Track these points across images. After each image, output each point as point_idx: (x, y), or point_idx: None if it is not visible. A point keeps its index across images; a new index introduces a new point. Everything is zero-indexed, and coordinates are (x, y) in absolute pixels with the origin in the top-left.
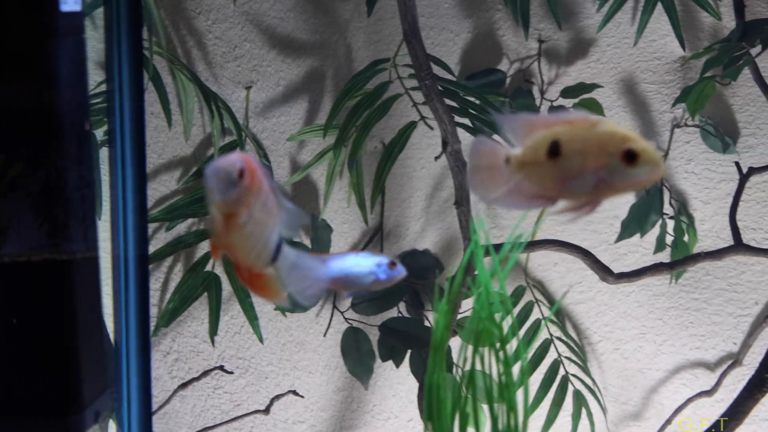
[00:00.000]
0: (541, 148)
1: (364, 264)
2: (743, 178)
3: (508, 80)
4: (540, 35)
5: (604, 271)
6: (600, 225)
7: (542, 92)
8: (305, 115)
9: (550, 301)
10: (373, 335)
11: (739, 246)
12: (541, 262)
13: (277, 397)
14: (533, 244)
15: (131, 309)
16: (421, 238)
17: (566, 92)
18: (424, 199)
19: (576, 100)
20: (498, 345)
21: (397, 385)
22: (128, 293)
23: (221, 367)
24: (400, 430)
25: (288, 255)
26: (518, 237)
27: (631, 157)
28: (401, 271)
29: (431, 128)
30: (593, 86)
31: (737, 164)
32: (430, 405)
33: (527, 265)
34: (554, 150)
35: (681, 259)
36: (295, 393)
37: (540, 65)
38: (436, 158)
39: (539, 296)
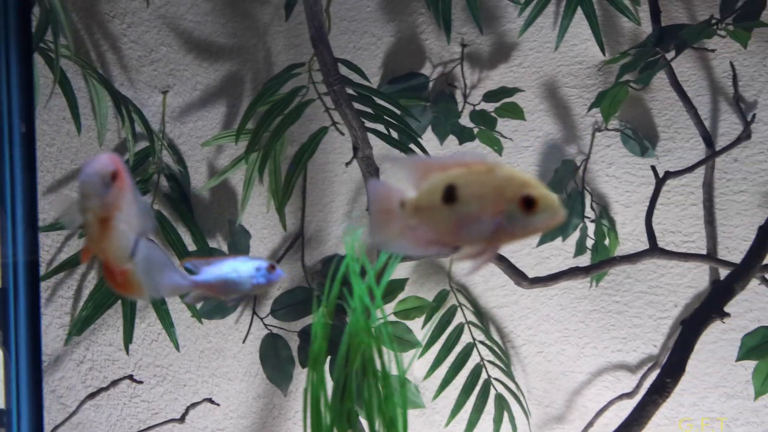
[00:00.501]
0: (437, 192)
1: (243, 269)
2: (660, 182)
3: (430, 84)
4: (463, 39)
5: (518, 276)
6: None
7: (465, 96)
8: (223, 119)
9: (474, 305)
10: (293, 341)
11: (654, 250)
12: (464, 266)
13: (193, 405)
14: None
15: (20, 318)
16: (343, 243)
17: (488, 96)
18: (345, 204)
19: (498, 104)
20: (377, 358)
21: None
22: (17, 301)
23: (130, 377)
24: None
25: (143, 249)
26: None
27: (529, 204)
28: (281, 274)
29: (342, 134)
30: (515, 90)
31: (653, 168)
32: (311, 419)
33: (450, 269)
34: (450, 195)
35: (597, 263)
36: (210, 401)
37: (463, 69)
38: (347, 164)
39: (462, 300)
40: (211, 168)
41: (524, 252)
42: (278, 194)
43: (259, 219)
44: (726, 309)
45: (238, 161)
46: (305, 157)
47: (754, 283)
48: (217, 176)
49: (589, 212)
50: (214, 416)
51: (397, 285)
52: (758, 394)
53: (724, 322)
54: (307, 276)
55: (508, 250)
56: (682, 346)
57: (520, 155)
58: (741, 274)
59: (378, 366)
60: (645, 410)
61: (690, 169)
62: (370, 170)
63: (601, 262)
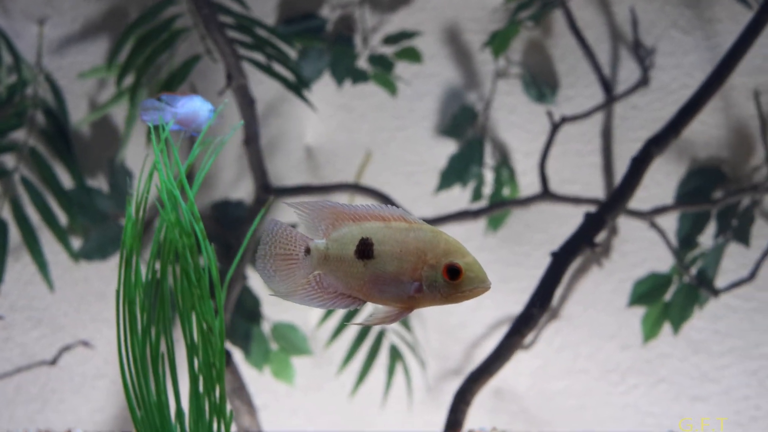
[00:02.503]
0: (349, 244)
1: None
2: (555, 127)
3: (328, 26)
4: None
5: None
6: (422, 176)
7: (364, 39)
8: (106, 54)
9: None
10: None
11: (546, 194)
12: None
13: (66, 348)
14: (332, 188)
15: None
16: (235, 188)
17: (388, 40)
18: (238, 147)
19: (398, 48)
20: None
21: None
22: None
23: None
24: None
25: None
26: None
27: (453, 273)
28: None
29: (215, 61)
30: (414, 34)
31: (549, 113)
32: (123, 319)
33: None
34: (365, 250)
35: (486, 206)
36: (85, 344)
37: (362, 12)
38: (220, 93)
39: None
40: (92, 104)
41: (424, 200)
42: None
43: (142, 159)
44: (620, 260)
45: (120, 96)
46: (174, 84)
47: (650, 234)
48: (96, 111)
49: (489, 161)
50: (94, 362)
51: None
52: (647, 338)
53: (594, 252)
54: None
55: (405, 198)
56: (550, 277)
57: (420, 101)
58: (612, 205)
59: (191, 265)
60: (511, 341)
61: (586, 114)
62: (246, 101)
63: (491, 205)
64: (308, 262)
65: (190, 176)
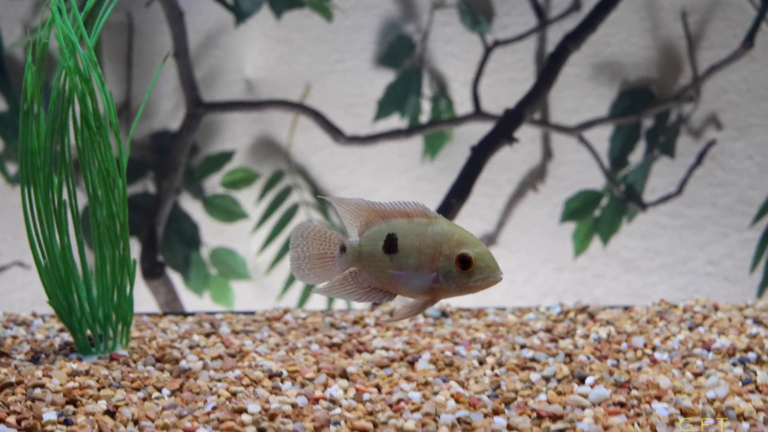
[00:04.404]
0: (379, 240)
1: None
2: (488, 50)
3: None
4: None
5: (335, 132)
6: (362, 108)
7: None
8: None
9: (312, 185)
10: None
11: (478, 113)
12: (303, 148)
13: (1, 269)
14: (263, 105)
15: None
16: (174, 118)
17: None
18: (177, 77)
19: None
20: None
21: None
22: None
23: None
24: None
25: None
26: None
27: (465, 263)
28: None
29: None
30: None
31: (482, 36)
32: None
33: (290, 150)
34: (391, 244)
35: (417, 125)
36: (21, 264)
37: None
38: (147, 4)
39: (301, 181)
40: (26, 28)
41: (363, 132)
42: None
43: None
44: (555, 184)
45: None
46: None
47: (583, 156)
48: (30, 33)
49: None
50: (34, 288)
51: (225, 157)
52: (577, 252)
53: (512, 146)
54: (134, 148)
55: (345, 130)
56: (469, 169)
57: (358, 33)
58: (530, 100)
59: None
60: None
61: (519, 38)
62: (174, 13)
63: (424, 124)
64: (344, 260)
65: (127, 106)
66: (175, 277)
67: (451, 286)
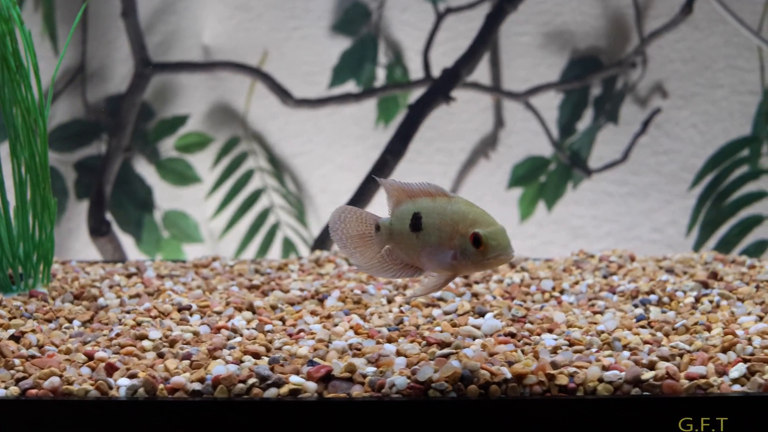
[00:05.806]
0: (407, 219)
1: None
2: (440, 17)
3: None
4: None
5: (284, 94)
6: (319, 76)
7: None
8: None
9: (269, 152)
10: (70, 176)
11: (428, 79)
12: (259, 115)
13: None
14: (212, 66)
15: None
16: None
17: None
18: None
19: None
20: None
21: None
22: None
23: None
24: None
25: None
26: None
27: (477, 240)
28: None
29: None
30: None
31: (434, 3)
32: None
33: (246, 117)
34: (416, 223)
35: (368, 89)
36: None
37: None
38: None
39: (257, 147)
40: None
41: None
42: (51, 20)
43: (37, 49)
44: (506, 152)
45: None
46: None
47: (534, 125)
48: None
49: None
50: None
51: (179, 121)
52: (523, 217)
53: (448, 105)
54: (88, 111)
55: (301, 96)
56: (406, 126)
57: (314, 2)
58: (468, 59)
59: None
60: (367, 185)
61: (470, 6)
62: None
63: (371, 89)
64: (379, 238)
65: (82, 68)
66: (127, 240)
67: (468, 264)
